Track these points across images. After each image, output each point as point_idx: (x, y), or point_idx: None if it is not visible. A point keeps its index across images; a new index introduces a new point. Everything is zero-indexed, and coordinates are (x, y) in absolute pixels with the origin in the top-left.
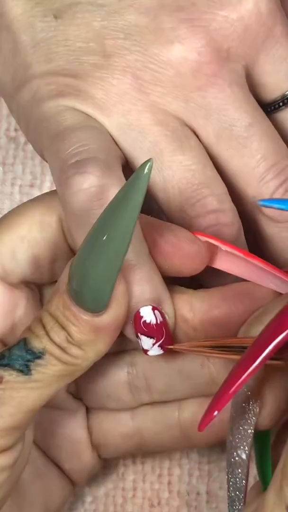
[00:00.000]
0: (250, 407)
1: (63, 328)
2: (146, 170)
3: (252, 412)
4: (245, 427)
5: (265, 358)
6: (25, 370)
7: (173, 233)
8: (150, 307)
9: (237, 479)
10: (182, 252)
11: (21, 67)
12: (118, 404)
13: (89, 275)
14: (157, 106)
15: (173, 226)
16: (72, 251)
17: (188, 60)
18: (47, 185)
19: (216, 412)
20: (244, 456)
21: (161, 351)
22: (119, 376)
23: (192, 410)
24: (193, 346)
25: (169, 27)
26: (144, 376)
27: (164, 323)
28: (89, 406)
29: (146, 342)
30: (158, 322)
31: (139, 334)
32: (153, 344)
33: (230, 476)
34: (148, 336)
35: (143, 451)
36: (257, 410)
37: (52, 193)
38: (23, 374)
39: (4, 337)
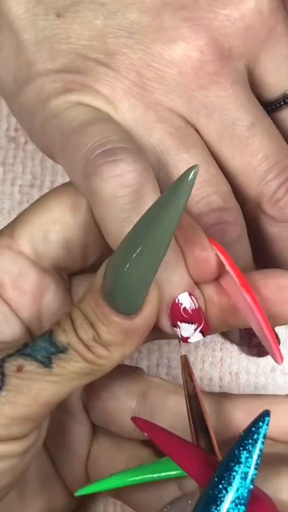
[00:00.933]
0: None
1: (92, 326)
2: (191, 176)
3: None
4: None
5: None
6: (46, 362)
7: (190, 231)
8: (187, 293)
9: None
10: (193, 254)
11: (24, 65)
12: (120, 431)
13: (124, 279)
14: (160, 104)
15: (192, 223)
16: (103, 238)
17: (191, 58)
18: (47, 185)
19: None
20: None
21: (201, 337)
22: (127, 403)
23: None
24: None
25: (172, 25)
26: (150, 411)
27: (200, 308)
28: (93, 422)
29: (186, 329)
30: (196, 307)
31: (178, 323)
32: (194, 330)
33: None
34: (188, 323)
35: (123, 502)
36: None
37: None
38: (43, 366)
39: (29, 322)
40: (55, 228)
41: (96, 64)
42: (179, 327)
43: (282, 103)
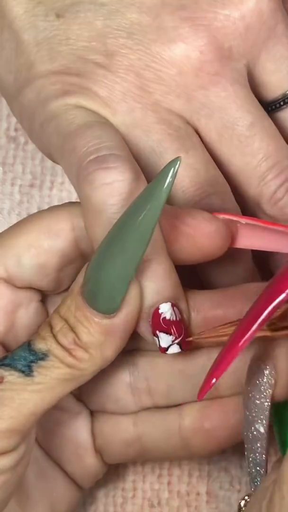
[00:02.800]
0: (265, 379)
1: (72, 329)
2: (172, 170)
3: (267, 384)
4: (262, 400)
5: (263, 320)
6: (27, 371)
7: (191, 215)
8: (169, 304)
9: (257, 454)
10: (202, 232)
11: (24, 66)
12: (119, 407)
13: (105, 274)
14: (160, 104)
15: (191, 209)
16: (83, 259)
17: (191, 58)
18: (47, 185)
19: (214, 380)
20: (262, 430)
21: (179, 350)
22: (120, 377)
23: (193, 417)
24: (211, 334)
25: (171, 26)
26: (145, 377)
27: (183, 320)
28: (90, 408)
29: (165, 339)
30: (177, 318)
31: (157, 332)
32: (172, 342)
33: (249, 452)
34: (167, 333)
35: (144, 459)
36: (272, 382)
37: (65, 204)
38: (24, 375)
39: (3, 337)
40: (29, 253)
41: (95, 66)
42: (158, 337)
43: (282, 103)
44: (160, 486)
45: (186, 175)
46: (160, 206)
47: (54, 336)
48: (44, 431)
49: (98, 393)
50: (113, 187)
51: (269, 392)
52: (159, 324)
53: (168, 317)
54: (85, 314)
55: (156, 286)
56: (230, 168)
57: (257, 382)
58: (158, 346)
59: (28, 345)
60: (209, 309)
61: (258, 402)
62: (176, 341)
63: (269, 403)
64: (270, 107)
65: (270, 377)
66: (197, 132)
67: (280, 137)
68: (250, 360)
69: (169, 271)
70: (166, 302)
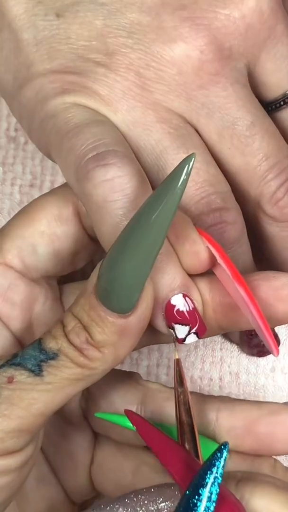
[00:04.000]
0: None
1: (85, 329)
2: (187, 167)
3: None
4: None
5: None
6: (37, 370)
7: (180, 225)
8: (181, 295)
9: None
10: (184, 249)
11: (24, 65)
12: (120, 438)
13: (120, 273)
14: (160, 104)
15: (183, 218)
16: (93, 242)
17: (191, 58)
18: (47, 185)
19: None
20: None
21: (196, 338)
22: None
23: None
24: None
25: (171, 25)
26: (150, 418)
27: (195, 309)
28: (94, 429)
29: (181, 330)
30: (191, 308)
31: (173, 324)
32: (189, 332)
33: None
34: (182, 324)
35: None
36: None
37: (65, 185)
38: (34, 375)
39: (20, 333)
40: (43, 241)
41: (95, 64)
42: (173, 329)
43: (282, 103)
44: None
45: None
46: (175, 203)
47: (66, 335)
48: (48, 438)
49: (103, 420)
50: (114, 183)
51: None
52: (173, 316)
53: (181, 308)
54: (99, 314)
55: (166, 280)
56: (230, 168)
57: None
58: (175, 337)
59: (38, 343)
60: (226, 295)
61: None
62: (193, 331)
63: None
64: (270, 107)
65: None
66: (197, 131)
67: (280, 137)
68: None
69: (176, 262)
70: (178, 293)
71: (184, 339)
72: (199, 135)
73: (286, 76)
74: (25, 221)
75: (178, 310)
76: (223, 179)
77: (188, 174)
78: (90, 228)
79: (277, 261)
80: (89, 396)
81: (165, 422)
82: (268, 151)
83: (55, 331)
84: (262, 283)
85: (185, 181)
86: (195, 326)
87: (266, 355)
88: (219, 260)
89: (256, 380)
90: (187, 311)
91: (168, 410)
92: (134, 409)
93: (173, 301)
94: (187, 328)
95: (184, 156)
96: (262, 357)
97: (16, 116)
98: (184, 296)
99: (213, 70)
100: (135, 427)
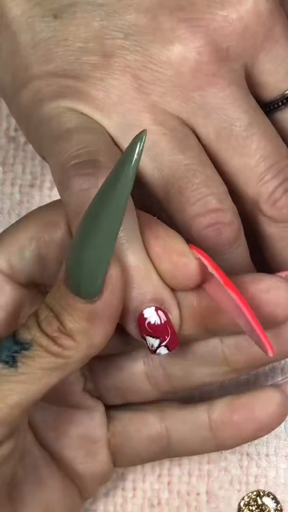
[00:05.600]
0: None
1: (57, 317)
2: (138, 146)
3: None
4: None
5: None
6: (11, 361)
7: (167, 239)
8: (153, 308)
9: None
10: (171, 261)
11: (21, 67)
12: (139, 396)
13: (82, 260)
14: (156, 106)
15: (170, 232)
16: None
17: (188, 59)
18: (47, 185)
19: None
20: None
21: (167, 351)
22: (136, 368)
23: (222, 410)
24: None
25: (169, 26)
26: (160, 364)
27: (168, 322)
28: (109, 403)
29: (152, 342)
30: (162, 322)
31: (144, 335)
32: (159, 344)
33: None
34: (153, 337)
35: (167, 455)
36: None
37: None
38: (8, 366)
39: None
40: (31, 246)
41: (91, 67)
42: (145, 339)
43: (280, 103)
44: (160, 486)
45: (183, 176)
46: (128, 184)
47: (39, 325)
48: (54, 431)
49: (117, 387)
50: (90, 193)
51: None
52: (145, 328)
53: (152, 321)
54: (69, 302)
55: (137, 292)
56: (228, 169)
57: None
58: (147, 348)
59: (13, 335)
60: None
61: None
62: (163, 344)
63: None
64: (269, 107)
65: None
66: (194, 133)
67: (278, 138)
68: None
69: (149, 274)
70: (150, 306)
71: (155, 351)
72: (197, 136)
73: (284, 77)
74: (15, 228)
75: (149, 323)
76: (220, 180)
77: (139, 154)
78: None
79: (275, 261)
80: (95, 372)
81: (176, 365)
82: (266, 152)
83: (28, 322)
84: (250, 286)
85: (137, 162)
86: (165, 339)
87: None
88: (210, 269)
89: (256, 380)
90: (158, 325)
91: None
92: (141, 363)
93: (145, 314)
94: (157, 341)
95: (180, 157)
96: None
97: (15, 117)
98: (157, 309)
99: (210, 71)
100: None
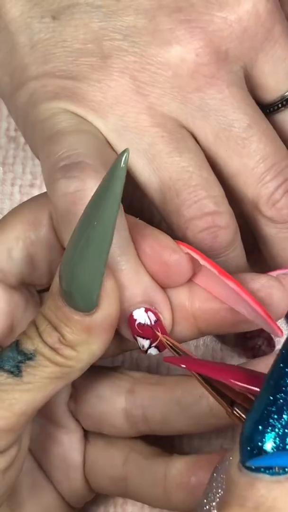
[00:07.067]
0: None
1: (56, 329)
2: (122, 162)
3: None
4: None
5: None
6: (16, 371)
7: (155, 238)
8: (142, 309)
9: None
10: (162, 259)
11: (19, 68)
12: (114, 431)
13: (75, 273)
14: (154, 107)
15: (157, 232)
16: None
17: (186, 61)
18: None
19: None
20: None
21: (158, 351)
22: (116, 402)
23: (179, 469)
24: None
25: (167, 28)
26: (141, 405)
27: (159, 323)
28: (85, 428)
29: (142, 343)
30: (152, 323)
31: (135, 336)
32: (150, 345)
33: None
34: (143, 338)
35: (128, 497)
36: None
37: (44, 193)
38: (13, 376)
39: (2, 339)
40: (18, 246)
41: (89, 69)
42: (136, 340)
43: (279, 105)
44: None
45: (180, 178)
46: (116, 198)
47: (40, 336)
48: (37, 444)
49: (94, 416)
50: (75, 196)
51: None
52: (135, 329)
53: (142, 322)
54: (66, 314)
55: (127, 293)
56: (227, 170)
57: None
58: (138, 348)
59: (16, 345)
60: (205, 300)
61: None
62: (154, 345)
63: None
64: (268, 109)
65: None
66: (193, 135)
67: (278, 139)
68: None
69: (139, 276)
70: (139, 308)
71: (146, 351)
72: (195, 138)
73: (283, 78)
74: (1, 227)
75: (139, 323)
76: (217, 182)
77: (124, 169)
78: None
79: (275, 262)
80: (77, 395)
81: (158, 406)
82: (265, 153)
83: (29, 332)
84: (242, 286)
85: (123, 175)
86: (155, 340)
87: (260, 357)
88: (202, 262)
89: None
90: (147, 326)
91: (158, 393)
92: (123, 400)
93: (134, 315)
94: (148, 341)
95: (177, 159)
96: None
97: (13, 117)
98: (147, 310)
99: (209, 73)
100: (184, 366)
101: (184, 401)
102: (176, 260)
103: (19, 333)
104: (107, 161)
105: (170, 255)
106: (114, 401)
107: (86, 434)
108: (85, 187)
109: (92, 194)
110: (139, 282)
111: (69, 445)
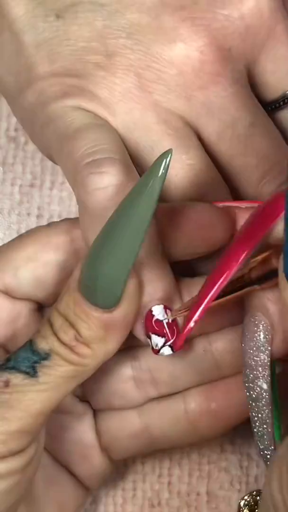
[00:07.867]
0: (262, 335)
1: (72, 326)
2: (167, 162)
3: (265, 340)
4: (261, 357)
5: (245, 257)
6: (32, 372)
7: (190, 207)
8: (162, 306)
9: (262, 412)
10: (205, 222)
11: (24, 68)
12: (125, 401)
13: (102, 270)
14: (159, 105)
15: (189, 202)
16: None
17: (191, 59)
18: (47, 185)
19: (193, 323)
20: (265, 386)
21: (171, 352)
22: (123, 372)
23: (197, 400)
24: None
25: (171, 26)
26: (148, 368)
27: (175, 322)
28: (96, 407)
29: (157, 341)
30: (170, 321)
31: (150, 333)
32: (164, 343)
33: (254, 411)
34: (159, 335)
35: (154, 449)
36: (270, 337)
37: (64, 219)
38: (29, 377)
39: (5, 345)
40: (26, 266)
41: (94, 66)
42: (150, 338)
43: (281, 103)
44: (160, 486)
45: (186, 176)
46: (154, 197)
47: (55, 334)
48: (50, 436)
49: (103, 392)
50: (107, 191)
51: (267, 347)
52: (151, 325)
53: (160, 319)
54: (84, 310)
55: (149, 288)
56: (230, 168)
57: (255, 338)
58: (150, 347)
59: (30, 345)
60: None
61: (257, 359)
62: (168, 343)
63: (269, 359)
64: (270, 107)
65: (267, 333)
66: (196, 132)
67: (280, 137)
68: (244, 317)
69: (163, 273)
70: (159, 304)
71: (159, 351)
72: (199, 135)
73: (285, 76)
74: (13, 246)
75: (156, 320)
76: (221, 181)
77: (166, 169)
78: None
79: None
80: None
81: (164, 368)
82: (268, 151)
83: (44, 331)
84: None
85: (164, 175)
86: (170, 339)
87: None
88: (243, 205)
89: None
90: (166, 323)
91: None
92: (129, 367)
93: (153, 311)
94: (162, 340)
95: (183, 156)
96: None
97: (18, 118)
98: (165, 307)
99: (213, 70)
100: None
101: (188, 357)
102: (217, 217)
103: (21, 336)
104: (125, 155)
105: (210, 215)
106: (121, 371)
107: (95, 413)
108: (117, 182)
109: (124, 189)
110: (163, 278)
111: (81, 428)
